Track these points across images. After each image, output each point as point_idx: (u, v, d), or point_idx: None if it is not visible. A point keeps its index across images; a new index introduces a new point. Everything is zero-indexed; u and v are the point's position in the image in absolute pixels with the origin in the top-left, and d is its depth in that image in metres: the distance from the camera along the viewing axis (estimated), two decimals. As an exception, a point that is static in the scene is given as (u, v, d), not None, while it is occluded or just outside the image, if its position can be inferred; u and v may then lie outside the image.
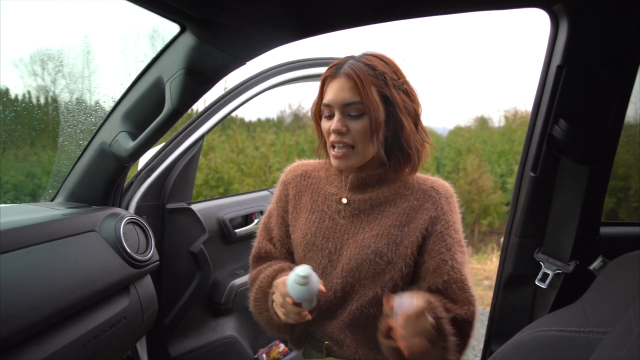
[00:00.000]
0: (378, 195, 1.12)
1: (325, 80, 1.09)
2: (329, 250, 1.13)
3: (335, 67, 1.07)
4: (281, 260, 1.25)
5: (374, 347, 1.13)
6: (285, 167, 1.31)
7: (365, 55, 1.08)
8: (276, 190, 1.29)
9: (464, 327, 1.04)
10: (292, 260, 1.26)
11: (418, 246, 1.09)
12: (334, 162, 1.09)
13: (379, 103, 1.04)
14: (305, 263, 1.16)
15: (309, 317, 1.05)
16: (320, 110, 1.11)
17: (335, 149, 1.07)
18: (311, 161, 1.30)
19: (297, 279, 0.94)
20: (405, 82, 1.09)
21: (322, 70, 1.79)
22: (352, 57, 1.08)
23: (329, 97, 1.06)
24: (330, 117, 1.08)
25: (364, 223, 1.12)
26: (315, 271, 1.04)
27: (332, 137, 1.07)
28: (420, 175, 1.16)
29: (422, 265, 1.09)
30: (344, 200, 1.14)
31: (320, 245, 1.14)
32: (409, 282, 1.12)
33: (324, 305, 1.15)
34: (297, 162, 1.30)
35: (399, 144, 1.08)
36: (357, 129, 1.04)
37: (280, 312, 1.05)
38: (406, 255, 1.08)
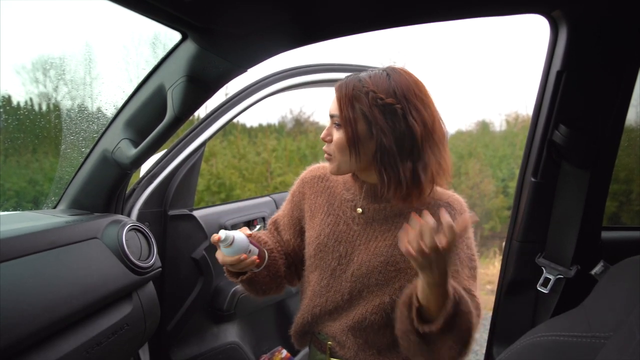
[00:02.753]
0: (392, 207, 1.13)
1: None
2: (340, 254, 1.15)
3: (346, 77, 1.11)
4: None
5: (375, 353, 1.15)
6: (308, 167, 1.34)
7: (377, 69, 1.08)
8: (294, 185, 1.31)
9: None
10: (289, 250, 1.30)
11: None
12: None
13: (357, 119, 1.03)
14: (315, 262, 1.19)
15: (257, 260, 1.09)
16: None
17: (326, 154, 1.13)
18: None
19: (222, 245, 1.03)
20: (414, 106, 1.02)
21: (323, 76, 1.80)
22: (371, 69, 1.09)
23: (329, 108, 1.12)
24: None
25: (377, 232, 1.13)
26: (324, 273, 1.17)
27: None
28: (437, 189, 1.13)
29: None
30: (359, 210, 1.15)
31: (332, 247, 1.16)
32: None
33: (330, 305, 1.16)
34: (318, 164, 1.33)
35: (382, 164, 1.05)
36: (334, 139, 1.08)
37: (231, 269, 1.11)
38: None
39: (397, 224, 1.12)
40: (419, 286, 0.95)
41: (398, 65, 1.11)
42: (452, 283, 0.95)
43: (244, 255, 1.03)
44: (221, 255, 1.05)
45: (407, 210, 1.10)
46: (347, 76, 1.10)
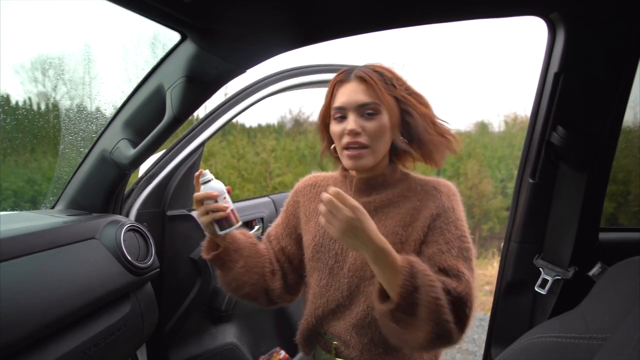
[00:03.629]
0: (382, 197, 1.14)
1: (335, 85, 1.12)
2: (336, 251, 1.16)
3: (345, 73, 1.10)
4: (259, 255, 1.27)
5: (381, 352, 1.14)
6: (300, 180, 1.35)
7: (370, 64, 1.12)
8: (288, 197, 1.34)
9: (459, 306, 0.99)
10: (280, 257, 1.30)
11: (421, 243, 1.09)
12: (347, 162, 1.10)
13: (394, 103, 1.08)
14: (313, 264, 1.21)
15: (228, 211, 1.10)
16: (328, 114, 1.14)
17: (350, 150, 1.08)
18: (322, 173, 1.33)
19: (201, 181, 1.10)
20: (412, 90, 1.12)
21: (322, 77, 1.80)
22: (356, 67, 1.12)
23: (342, 99, 1.08)
24: (342, 119, 1.09)
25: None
26: (322, 273, 1.18)
27: (347, 139, 1.07)
28: (423, 177, 1.18)
29: (421, 256, 1.08)
30: None
31: (327, 246, 1.17)
32: None
33: (332, 304, 1.17)
34: (310, 175, 1.34)
35: (418, 140, 1.11)
36: (371, 128, 1.06)
37: (205, 219, 1.10)
38: (411, 253, 1.07)
39: (388, 213, 1.13)
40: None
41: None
42: (410, 259, 0.96)
43: (213, 193, 1.08)
44: (197, 202, 1.10)
45: (396, 199, 1.13)
46: (348, 70, 1.10)
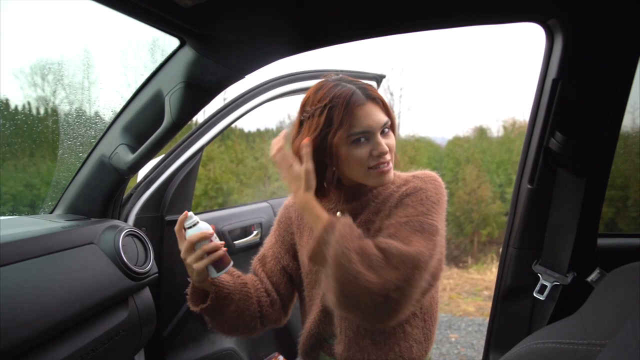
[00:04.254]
0: (367, 198, 1.16)
1: (348, 110, 1.04)
2: None
3: (357, 95, 1.05)
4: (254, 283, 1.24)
5: (369, 344, 1.13)
6: None
7: (355, 81, 1.11)
8: (278, 215, 1.33)
9: (403, 263, 0.92)
10: (281, 280, 1.27)
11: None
12: (379, 180, 1.08)
13: None
14: (314, 277, 1.20)
15: (221, 249, 1.06)
16: (345, 139, 1.06)
17: (383, 165, 1.07)
18: None
19: (186, 225, 1.06)
20: None
21: (320, 82, 1.81)
22: (341, 81, 1.09)
23: (368, 122, 1.04)
24: (363, 142, 1.06)
25: (357, 225, 1.14)
26: (318, 281, 1.17)
27: (377, 160, 1.06)
28: (408, 172, 1.20)
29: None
30: (339, 214, 1.17)
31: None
32: None
33: (329, 309, 1.16)
34: None
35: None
36: (392, 144, 1.09)
37: (201, 264, 1.05)
38: None
39: (377, 210, 1.14)
40: None
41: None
42: (339, 220, 0.96)
43: (209, 232, 1.05)
44: (183, 240, 1.07)
45: (383, 197, 1.14)
46: (355, 92, 1.05)
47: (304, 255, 1.22)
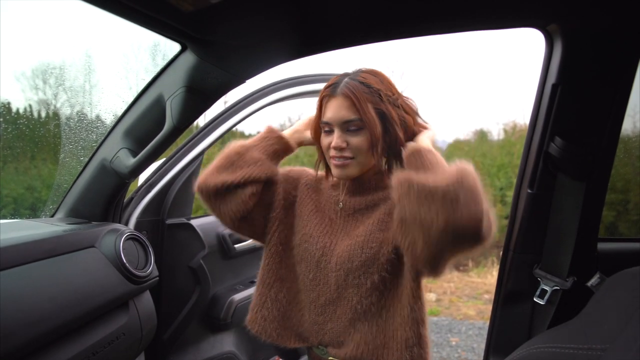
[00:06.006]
0: (373, 197, 1.17)
1: (322, 100, 1.12)
2: (324, 244, 1.17)
3: (332, 87, 1.10)
4: None
5: (379, 345, 1.13)
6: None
7: (360, 72, 1.11)
8: (282, 176, 1.27)
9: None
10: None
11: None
12: (334, 171, 1.14)
13: (376, 119, 1.07)
14: (300, 253, 1.21)
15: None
16: (319, 127, 1.15)
17: (336, 160, 1.11)
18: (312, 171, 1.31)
19: None
20: (400, 96, 1.12)
21: (320, 86, 1.81)
22: (347, 75, 1.11)
23: (328, 115, 1.09)
24: (330, 132, 1.12)
25: (358, 221, 1.17)
26: (309, 265, 1.19)
27: (332, 152, 1.11)
28: None
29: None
30: (340, 205, 1.20)
31: (316, 237, 1.18)
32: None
33: (322, 299, 1.17)
34: (301, 168, 1.34)
35: (397, 153, 1.10)
36: (356, 143, 1.08)
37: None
38: (390, 253, 1.09)
39: (377, 209, 1.15)
40: None
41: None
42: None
43: None
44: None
45: (386, 197, 1.14)
46: (335, 83, 1.09)
47: (298, 224, 1.22)
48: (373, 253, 1.10)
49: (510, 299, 1.44)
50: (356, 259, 1.11)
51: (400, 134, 1.09)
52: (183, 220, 1.83)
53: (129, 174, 1.28)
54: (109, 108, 1.49)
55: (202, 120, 1.79)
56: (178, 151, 1.72)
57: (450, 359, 3.65)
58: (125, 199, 1.61)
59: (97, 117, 1.55)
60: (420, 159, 1.00)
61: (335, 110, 1.08)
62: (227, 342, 2.05)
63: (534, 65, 1.32)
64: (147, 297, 1.38)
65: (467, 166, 0.93)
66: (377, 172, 1.18)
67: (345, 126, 1.08)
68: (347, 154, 1.09)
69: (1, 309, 0.89)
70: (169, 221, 1.76)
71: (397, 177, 0.95)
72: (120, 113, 1.32)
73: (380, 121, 1.08)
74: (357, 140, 1.08)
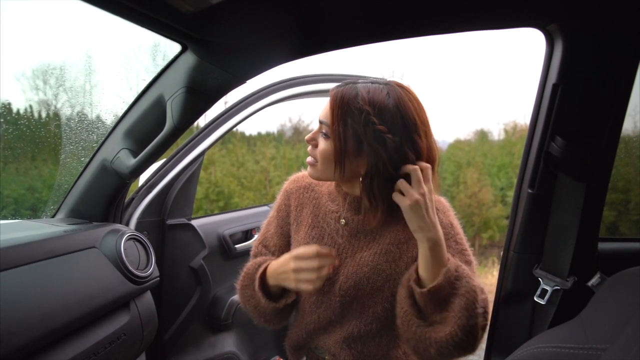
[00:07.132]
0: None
1: None
2: None
3: (340, 84, 1.07)
4: None
5: (376, 354, 1.14)
6: (289, 177, 1.31)
7: (374, 82, 1.03)
8: (278, 198, 1.29)
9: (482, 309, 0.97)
10: None
11: (415, 259, 1.05)
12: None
13: (348, 135, 1.00)
14: None
15: (336, 261, 1.07)
16: None
17: (309, 156, 1.10)
18: None
19: None
20: (405, 136, 0.99)
21: (321, 86, 1.81)
22: (362, 80, 1.05)
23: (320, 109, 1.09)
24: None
25: (362, 243, 1.12)
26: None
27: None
28: None
29: None
30: (342, 222, 1.14)
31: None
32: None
33: (323, 322, 1.16)
34: (300, 173, 1.30)
35: (371, 188, 1.03)
36: (320, 148, 1.06)
37: (301, 277, 1.03)
38: (405, 271, 1.06)
39: (382, 232, 1.11)
40: (420, 255, 0.97)
41: (400, 80, 1.07)
42: (451, 258, 0.97)
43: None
44: (295, 256, 1.05)
45: (390, 217, 1.10)
46: (345, 82, 1.05)
47: (299, 242, 1.20)
48: (379, 286, 1.09)
49: (510, 298, 1.44)
50: (362, 288, 1.09)
51: (375, 166, 0.99)
52: (184, 220, 1.83)
53: (129, 174, 1.28)
54: (109, 108, 1.49)
55: (202, 121, 1.79)
56: (179, 151, 1.72)
57: (451, 359, 3.64)
58: (126, 200, 1.61)
59: (98, 117, 1.55)
60: (438, 296, 0.95)
61: (323, 108, 1.07)
62: (228, 343, 2.04)
63: (534, 65, 1.32)
64: (148, 297, 1.38)
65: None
66: None
67: (320, 127, 1.07)
68: (313, 154, 1.09)
69: (2, 309, 0.89)
70: (170, 221, 1.77)
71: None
72: (120, 113, 1.32)
73: (356, 142, 1.01)
74: (322, 145, 1.06)
